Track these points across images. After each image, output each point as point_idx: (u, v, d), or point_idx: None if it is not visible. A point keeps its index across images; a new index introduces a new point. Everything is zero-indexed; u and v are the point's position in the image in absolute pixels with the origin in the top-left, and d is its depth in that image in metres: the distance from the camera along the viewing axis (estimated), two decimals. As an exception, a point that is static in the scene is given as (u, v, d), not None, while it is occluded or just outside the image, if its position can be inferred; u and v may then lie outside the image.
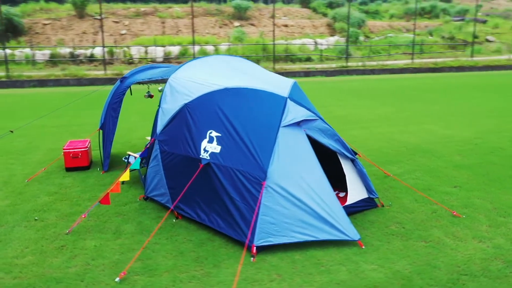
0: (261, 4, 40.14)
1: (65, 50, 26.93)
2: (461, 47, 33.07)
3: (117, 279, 4.43)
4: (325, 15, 37.80)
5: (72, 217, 6.00)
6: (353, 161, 5.93)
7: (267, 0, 46.23)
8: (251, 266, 4.67)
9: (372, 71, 23.18)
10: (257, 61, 26.82)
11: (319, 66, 24.07)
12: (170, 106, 6.08)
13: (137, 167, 6.05)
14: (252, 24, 35.05)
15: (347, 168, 5.88)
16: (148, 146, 6.93)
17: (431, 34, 35.70)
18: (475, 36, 35.94)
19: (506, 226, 5.47)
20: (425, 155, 8.53)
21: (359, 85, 19.98)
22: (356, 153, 6.03)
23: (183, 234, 5.44)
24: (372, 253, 4.90)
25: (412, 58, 25.90)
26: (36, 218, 5.97)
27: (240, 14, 34.97)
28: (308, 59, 28.39)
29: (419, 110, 13.47)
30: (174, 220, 5.81)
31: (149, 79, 7.21)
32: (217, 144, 5.42)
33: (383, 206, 6.14)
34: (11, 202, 6.55)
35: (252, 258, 4.79)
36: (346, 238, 5.03)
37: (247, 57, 27.83)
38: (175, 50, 28.20)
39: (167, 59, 27.67)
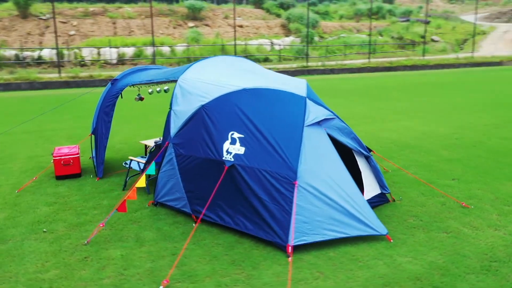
0: (214, 5, 39.99)
1: (9, 52, 25.50)
2: (409, 47, 34.73)
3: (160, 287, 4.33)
4: (278, 15, 38.34)
5: (83, 227, 5.76)
6: (367, 158, 6.13)
7: (213, 0, 46.12)
8: (294, 266, 4.71)
9: (332, 71, 23.83)
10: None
11: (281, 66, 24.40)
12: (183, 108, 5.99)
13: (153, 172, 5.91)
14: (206, 25, 34.88)
15: (362, 165, 6.07)
16: (153, 150, 6.79)
17: (381, 35, 37.19)
18: (422, 36, 37.91)
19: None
20: (414, 151, 8.94)
21: (322, 84, 20.46)
22: (370, 150, 6.24)
23: (209, 238, 5.38)
24: (401, 246, 5.10)
25: (369, 58, 26.88)
26: (44, 230, 5.68)
27: (194, 15, 34.71)
28: (266, 60, 28.67)
29: (390, 108, 14.04)
30: (193, 225, 5.73)
31: (150, 81, 7.05)
32: (241, 146, 5.42)
33: (394, 200, 6.39)
34: (9, 214, 6.18)
35: (289, 258, 4.85)
36: (375, 233, 5.21)
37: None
38: (129, 51, 27.51)
39: (121, 60, 26.93)
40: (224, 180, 5.47)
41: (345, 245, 5.12)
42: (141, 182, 5.74)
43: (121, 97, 8.32)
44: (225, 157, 5.45)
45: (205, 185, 5.68)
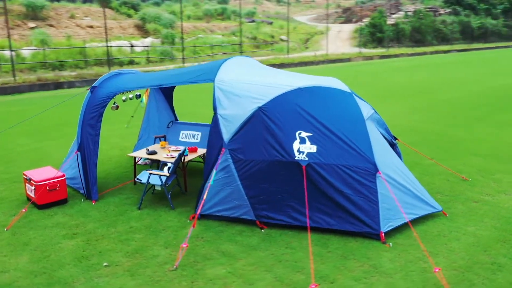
0: (56, 3, 36.43)
1: None
2: (263, 46, 37.14)
3: (315, 292, 4.33)
4: (129, 16, 36.97)
5: (145, 253, 5.20)
6: (393, 145, 6.85)
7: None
8: (395, 250, 5.13)
9: (209, 71, 24.19)
10: (79, 67, 24.76)
11: (158, 68, 23.80)
12: (234, 112, 5.82)
13: (213, 182, 5.61)
14: (51, 25, 31.73)
15: (390, 153, 6.77)
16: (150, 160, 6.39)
17: (235, 35, 38.88)
18: (272, 36, 40.84)
19: (504, 180, 7.28)
20: (373, 139, 10.05)
21: (207, 86, 20.69)
22: (396, 138, 6.96)
23: (295, 241, 5.41)
24: (458, 219, 5.94)
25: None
26: (105, 263, 4.96)
27: (35, 14, 31.26)
28: (132, 62, 27.54)
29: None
30: (262, 231, 5.68)
31: (159, 85, 6.58)
32: (311, 144, 5.58)
33: (408, 182, 7.26)
34: (31, 256, 5.16)
35: (386, 244, 5.25)
36: (435, 210, 5.96)
37: (65, 63, 25.29)
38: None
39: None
40: (294, 181, 5.56)
41: (415, 225, 5.71)
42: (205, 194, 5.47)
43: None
44: (298, 157, 5.54)
45: (271, 189, 5.66)
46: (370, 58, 32.26)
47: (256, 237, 5.53)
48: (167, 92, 8.65)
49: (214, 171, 5.64)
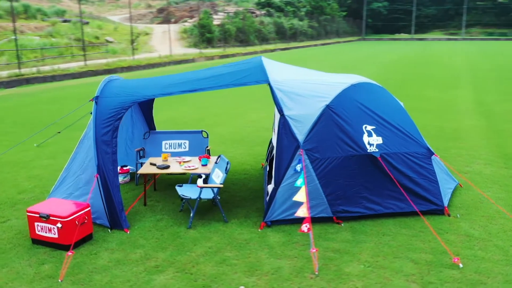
0: None
1: None
2: (90, 48, 34.82)
3: (460, 265, 4.90)
4: None
5: (262, 269, 4.99)
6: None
7: None
8: (464, 219, 6.05)
9: (53, 78, 21.78)
10: None
11: (-11, 77, 20.31)
12: (301, 112, 5.90)
13: (303, 184, 5.59)
14: None
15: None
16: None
17: (53, 36, 35.45)
18: (97, 37, 38.47)
19: (464, 154, 8.94)
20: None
21: (62, 93, 18.81)
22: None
23: (382, 229, 5.85)
24: (472, 188, 7.19)
25: (85, 60, 25.73)
26: (241, 287, 4.62)
27: None
28: None
29: (243, 105, 15.21)
30: (342, 225, 5.96)
31: (193, 90, 6.16)
32: (377, 136, 6.09)
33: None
34: (142, 299, 4.47)
35: (452, 216, 6.14)
36: (456, 183, 7.11)
37: None
38: None
39: None
40: (366, 171, 6.02)
41: (453, 197, 6.76)
42: (303, 197, 5.49)
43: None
44: (370, 150, 5.98)
45: (346, 183, 5.99)
46: (211, 58, 33.38)
47: (344, 232, 5.79)
48: (144, 102, 7.96)
49: (302, 173, 5.66)
